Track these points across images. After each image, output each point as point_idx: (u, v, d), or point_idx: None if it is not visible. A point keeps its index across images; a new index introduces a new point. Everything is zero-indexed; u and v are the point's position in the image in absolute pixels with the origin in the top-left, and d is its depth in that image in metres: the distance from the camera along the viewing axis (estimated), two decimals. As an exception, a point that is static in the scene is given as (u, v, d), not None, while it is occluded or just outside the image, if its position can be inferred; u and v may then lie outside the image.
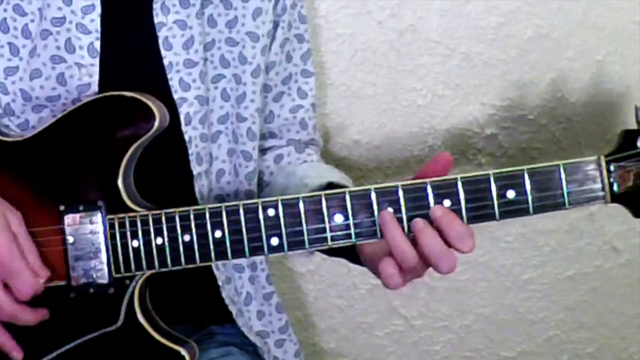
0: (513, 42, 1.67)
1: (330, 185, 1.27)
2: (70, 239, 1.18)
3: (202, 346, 1.35)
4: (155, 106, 1.20)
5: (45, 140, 1.21)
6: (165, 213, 1.16)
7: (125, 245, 1.17)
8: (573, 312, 1.84)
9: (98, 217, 1.18)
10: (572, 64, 1.69)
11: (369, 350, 1.82)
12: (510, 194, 1.11)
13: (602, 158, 1.11)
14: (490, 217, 1.11)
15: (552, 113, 1.71)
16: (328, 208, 1.13)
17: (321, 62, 1.64)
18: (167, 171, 1.31)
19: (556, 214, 1.14)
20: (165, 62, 1.29)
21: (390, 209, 1.12)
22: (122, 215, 1.18)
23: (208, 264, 1.17)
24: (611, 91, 1.71)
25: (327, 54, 1.65)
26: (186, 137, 1.30)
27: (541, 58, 1.68)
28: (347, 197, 1.13)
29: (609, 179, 1.11)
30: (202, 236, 1.16)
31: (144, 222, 1.17)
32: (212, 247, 1.16)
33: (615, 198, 1.11)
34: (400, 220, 1.11)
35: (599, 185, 1.11)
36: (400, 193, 1.12)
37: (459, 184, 1.11)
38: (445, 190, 1.11)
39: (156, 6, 1.28)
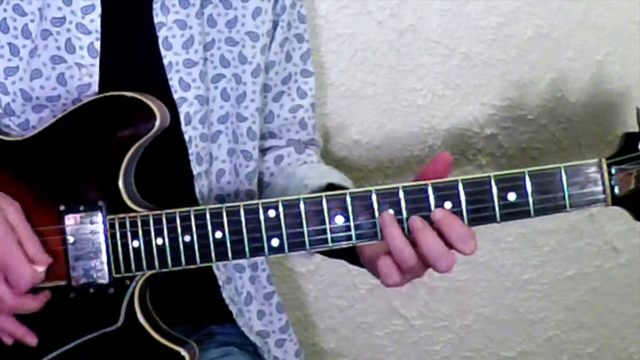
0: (513, 42, 1.67)
1: (331, 187, 1.27)
2: (70, 239, 1.18)
3: (202, 346, 1.35)
4: (156, 106, 1.20)
5: (46, 140, 1.21)
6: (166, 213, 1.16)
7: (125, 246, 1.17)
8: (573, 312, 1.84)
9: (98, 217, 1.18)
10: (572, 64, 1.69)
11: (369, 350, 1.82)
12: (511, 196, 1.10)
13: (604, 161, 1.11)
14: (491, 219, 1.11)
15: (552, 113, 1.71)
16: (329, 209, 1.13)
17: (321, 62, 1.64)
18: (167, 171, 1.31)
19: (556, 215, 1.13)
20: (165, 62, 1.28)
21: (390, 211, 1.12)
22: (122, 215, 1.18)
23: (208, 264, 1.17)
24: (611, 91, 1.71)
25: (327, 54, 1.65)
26: (186, 137, 1.30)
27: (541, 58, 1.68)
28: (348, 199, 1.13)
29: (610, 181, 1.10)
30: (203, 237, 1.16)
31: (145, 223, 1.17)
32: (212, 247, 1.16)
33: (616, 201, 1.11)
34: (400, 221, 1.11)
35: (600, 188, 1.11)
36: (401, 194, 1.12)
37: (460, 186, 1.11)
38: (446, 192, 1.11)
39: (156, 6, 1.28)
